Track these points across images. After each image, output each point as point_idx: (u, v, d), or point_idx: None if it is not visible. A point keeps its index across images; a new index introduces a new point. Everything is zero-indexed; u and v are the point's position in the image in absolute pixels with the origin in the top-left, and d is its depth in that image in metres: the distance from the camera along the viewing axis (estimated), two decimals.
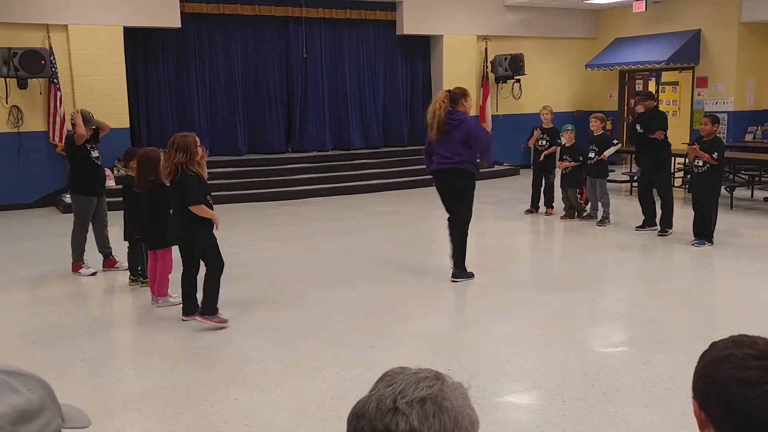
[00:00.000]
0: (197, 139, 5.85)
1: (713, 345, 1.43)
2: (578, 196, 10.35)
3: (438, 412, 1.08)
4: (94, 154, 7.57)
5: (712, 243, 8.50)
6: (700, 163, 8.34)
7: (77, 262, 7.71)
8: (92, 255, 7.81)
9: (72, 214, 7.89)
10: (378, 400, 1.10)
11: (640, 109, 9.41)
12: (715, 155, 8.17)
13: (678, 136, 13.86)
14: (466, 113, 7.03)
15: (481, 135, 7.18)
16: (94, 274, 7.64)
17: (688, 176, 9.24)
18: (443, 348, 5.42)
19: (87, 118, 7.48)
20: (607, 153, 9.87)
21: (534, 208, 11.07)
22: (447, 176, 7.04)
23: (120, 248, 7.60)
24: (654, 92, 10.16)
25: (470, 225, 7.26)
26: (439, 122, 6.88)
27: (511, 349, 5.39)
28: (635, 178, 12.49)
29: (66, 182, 12.00)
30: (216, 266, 5.87)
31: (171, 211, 6.48)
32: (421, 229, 10.03)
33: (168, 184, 6.04)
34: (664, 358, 5.10)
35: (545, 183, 10.92)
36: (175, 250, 6.60)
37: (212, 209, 5.86)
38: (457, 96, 6.96)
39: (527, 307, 6.51)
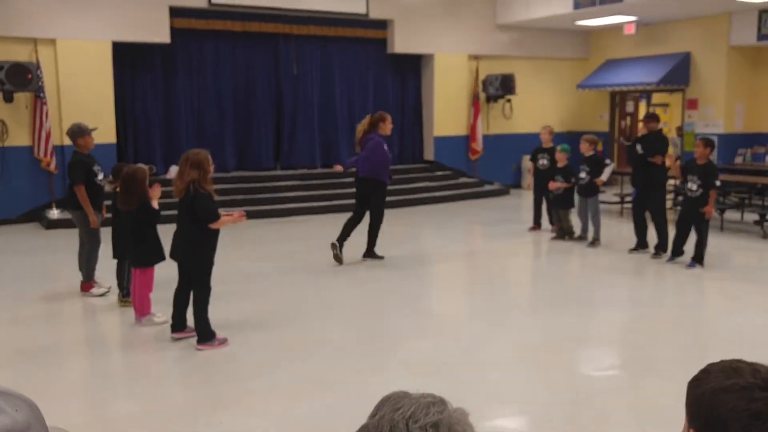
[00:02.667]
0: (209, 156, 5.76)
1: (710, 371, 1.41)
2: (569, 218, 10.30)
3: None
4: (100, 176, 7.42)
5: (703, 265, 8.45)
6: (694, 188, 8.30)
7: (88, 282, 7.44)
8: (101, 272, 7.54)
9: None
10: (390, 424, 1.07)
11: (643, 130, 9.30)
12: (717, 183, 8.22)
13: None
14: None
15: None
16: (106, 292, 7.36)
17: (679, 198, 9.18)
18: (430, 371, 5.31)
19: (83, 129, 7.34)
20: (605, 176, 9.78)
21: (537, 226, 11.07)
22: None
23: (108, 266, 7.46)
24: (652, 113, 10.02)
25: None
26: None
27: (498, 372, 5.30)
28: (628, 199, 12.49)
29: (54, 197, 11.90)
30: (204, 289, 5.80)
31: (155, 229, 6.41)
32: (411, 249, 9.94)
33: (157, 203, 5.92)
34: (653, 383, 5.03)
35: (547, 201, 10.91)
36: (158, 269, 6.51)
37: None
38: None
39: (515, 329, 6.42)
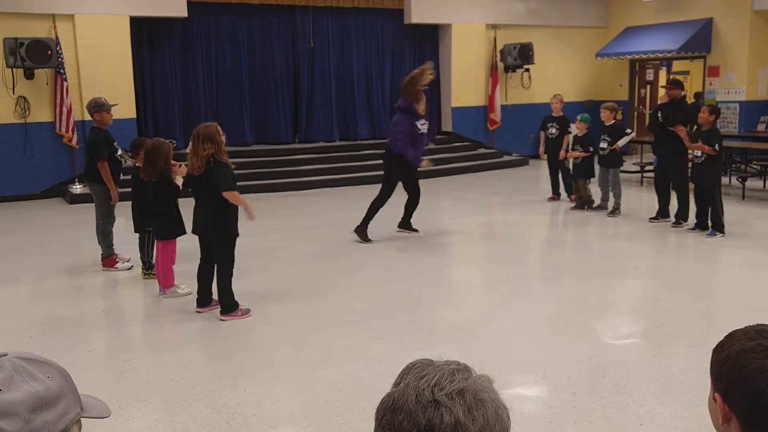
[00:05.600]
0: (219, 128, 5.78)
1: (734, 335, 1.39)
2: (588, 187, 10.26)
3: (480, 404, 1.05)
4: (119, 152, 7.51)
5: (724, 234, 8.40)
6: (699, 153, 8.33)
7: (110, 256, 7.48)
8: (125, 246, 7.59)
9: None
10: (416, 392, 1.05)
11: (664, 98, 9.18)
12: (716, 146, 8.14)
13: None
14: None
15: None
16: (131, 267, 7.42)
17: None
18: (452, 339, 5.36)
19: (100, 105, 7.40)
20: (621, 143, 9.72)
21: (556, 195, 11.06)
22: None
23: (126, 240, 7.56)
24: (675, 80, 9.85)
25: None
26: None
27: (520, 340, 5.34)
28: (650, 167, 12.40)
29: (76, 172, 12.02)
30: (228, 261, 5.85)
31: (176, 203, 6.48)
32: (430, 220, 9.95)
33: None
34: (674, 350, 5.03)
35: (561, 171, 10.88)
36: (183, 242, 6.59)
37: None
38: None
39: (536, 298, 6.44)
